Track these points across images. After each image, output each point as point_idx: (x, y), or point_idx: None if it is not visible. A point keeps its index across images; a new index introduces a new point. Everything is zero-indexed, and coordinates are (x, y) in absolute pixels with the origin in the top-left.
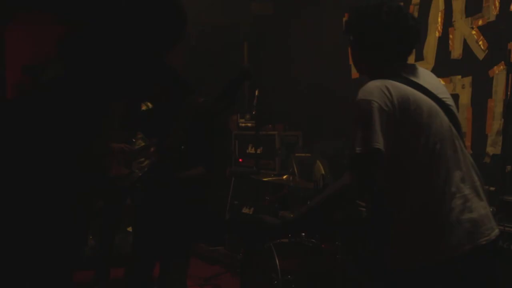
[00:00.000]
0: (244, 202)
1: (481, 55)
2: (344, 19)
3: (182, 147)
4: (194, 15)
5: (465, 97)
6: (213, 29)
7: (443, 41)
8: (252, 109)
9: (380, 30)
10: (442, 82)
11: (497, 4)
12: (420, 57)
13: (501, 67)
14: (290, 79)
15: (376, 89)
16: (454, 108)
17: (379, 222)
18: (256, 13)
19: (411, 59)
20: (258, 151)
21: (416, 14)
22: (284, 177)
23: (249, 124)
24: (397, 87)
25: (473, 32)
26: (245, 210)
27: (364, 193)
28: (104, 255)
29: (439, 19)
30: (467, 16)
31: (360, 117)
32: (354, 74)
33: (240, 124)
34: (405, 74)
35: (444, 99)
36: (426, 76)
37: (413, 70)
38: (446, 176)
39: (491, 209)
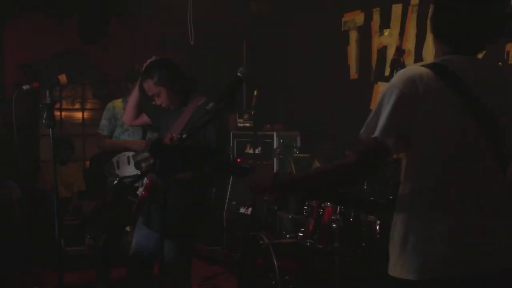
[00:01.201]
0: (242, 202)
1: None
2: (343, 19)
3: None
4: (193, 14)
5: None
6: (212, 28)
7: None
8: (250, 109)
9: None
10: None
11: None
12: (419, 58)
13: None
14: (288, 79)
15: (408, 76)
16: (505, 118)
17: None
18: (255, 13)
19: (410, 60)
20: (257, 151)
21: (415, 15)
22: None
23: (248, 124)
24: (431, 79)
25: None
26: (242, 210)
27: (362, 177)
28: (105, 254)
29: None
30: None
31: (379, 100)
32: (353, 74)
33: (239, 124)
34: (458, 64)
35: (488, 105)
36: (485, 75)
37: (471, 63)
38: (456, 207)
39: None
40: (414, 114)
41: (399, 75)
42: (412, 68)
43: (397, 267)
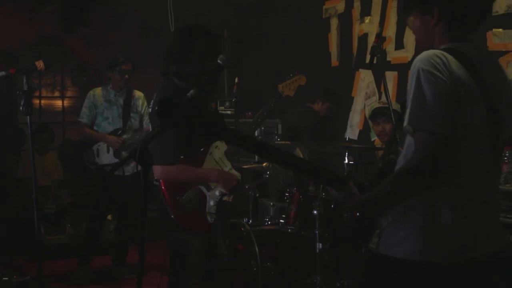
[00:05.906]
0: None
1: None
2: (324, 7)
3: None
4: (174, 1)
5: None
6: (193, 16)
7: None
8: (232, 96)
9: None
10: None
11: None
12: (400, 46)
13: None
14: (270, 66)
15: (438, 62)
16: (506, 109)
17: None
18: (237, 1)
19: (391, 48)
20: None
21: (395, 3)
22: (264, 164)
23: (229, 112)
24: (454, 64)
25: None
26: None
27: (430, 177)
28: (87, 243)
29: None
30: None
31: (416, 89)
32: (334, 62)
33: (220, 112)
34: (469, 52)
35: (493, 94)
36: (492, 65)
37: (477, 51)
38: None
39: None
40: (453, 97)
41: (429, 59)
42: (436, 52)
43: (403, 247)
